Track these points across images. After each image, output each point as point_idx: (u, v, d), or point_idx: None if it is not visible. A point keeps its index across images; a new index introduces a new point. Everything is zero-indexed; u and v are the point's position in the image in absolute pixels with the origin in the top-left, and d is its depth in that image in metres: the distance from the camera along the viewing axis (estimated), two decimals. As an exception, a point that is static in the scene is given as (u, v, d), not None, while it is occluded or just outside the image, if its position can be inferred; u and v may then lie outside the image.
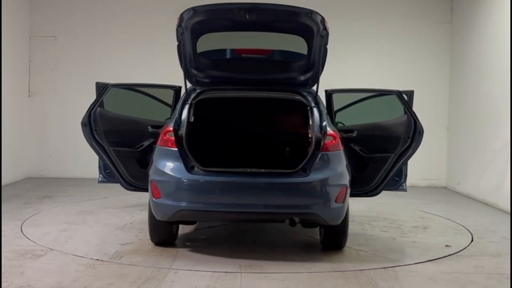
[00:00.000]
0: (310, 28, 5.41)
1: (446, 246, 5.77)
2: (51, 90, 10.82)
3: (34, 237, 6.03)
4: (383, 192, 6.35)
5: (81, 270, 4.94)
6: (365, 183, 6.09)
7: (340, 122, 6.86)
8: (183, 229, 6.53)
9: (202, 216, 5.49)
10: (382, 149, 6.08)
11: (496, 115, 8.67)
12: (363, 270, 5.11)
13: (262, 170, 5.39)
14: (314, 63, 5.72)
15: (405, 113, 5.98)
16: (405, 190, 6.54)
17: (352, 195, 6.37)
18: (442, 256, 5.66)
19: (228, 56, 6.04)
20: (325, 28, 5.41)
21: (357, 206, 7.52)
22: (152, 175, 5.36)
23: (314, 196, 5.29)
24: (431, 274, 5.06)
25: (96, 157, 6.24)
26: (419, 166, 9.56)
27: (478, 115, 9.36)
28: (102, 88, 6.25)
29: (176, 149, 5.33)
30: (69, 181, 10.22)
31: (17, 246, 5.64)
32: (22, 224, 6.65)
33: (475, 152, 9.46)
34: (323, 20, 5.38)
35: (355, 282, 4.78)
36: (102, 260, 5.23)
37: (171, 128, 5.43)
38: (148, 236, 6.03)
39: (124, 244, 5.83)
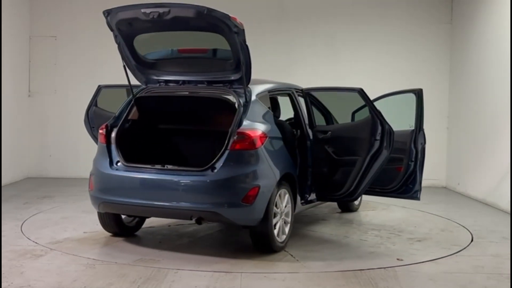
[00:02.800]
0: (221, 26, 5.31)
1: (398, 259, 5.44)
2: (51, 90, 10.82)
3: (34, 237, 6.03)
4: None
5: (81, 270, 4.95)
6: (338, 187, 6.04)
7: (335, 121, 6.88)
8: (183, 229, 6.53)
9: (119, 209, 5.69)
10: (351, 152, 5.99)
11: (496, 115, 8.67)
12: (363, 270, 5.11)
13: (177, 168, 5.48)
14: (240, 61, 5.53)
15: (370, 112, 5.90)
16: (418, 199, 6.53)
17: (328, 199, 6.35)
18: (442, 256, 5.66)
19: (171, 56, 6.07)
20: (236, 25, 5.28)
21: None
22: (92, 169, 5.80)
23: (216, 195, 5.24)
24: (431, 274, 5.07)
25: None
26: (419, 166, 9.56)
27: (478, 115, 9.36)
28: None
29: (105, 144, 5.72)
30: (69, 181, 10.22)
31: (17, 246, 5.64)
32: (22, 224, 6.65)
33: (475, 152, 9.46)
34: (226, 16, 5.24)
35: (355, 282, 4.78)
36: (102, 260, 5.24)
37: (106, 125, 5.81)
38: (148, 236, 6.05)
39: (125, 243, 5.83)
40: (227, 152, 5.31)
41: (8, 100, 9.64)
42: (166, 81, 6.06)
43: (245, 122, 5.45)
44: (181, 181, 5.36)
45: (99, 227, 6.09)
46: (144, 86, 6.11)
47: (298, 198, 6.08)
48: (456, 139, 10.38)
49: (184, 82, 5.98)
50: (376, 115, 5.85)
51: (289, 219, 5.81)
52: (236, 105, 5.59)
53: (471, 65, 9.73)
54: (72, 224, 6.70)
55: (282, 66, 10.62)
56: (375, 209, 8.06)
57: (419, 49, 10.72)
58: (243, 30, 5.31)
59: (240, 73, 5.58)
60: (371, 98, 6.88)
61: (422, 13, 10.72)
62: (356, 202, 7.78)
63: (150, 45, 5.95)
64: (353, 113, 6.87)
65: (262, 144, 5.43)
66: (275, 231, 5.55)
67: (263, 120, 5.67)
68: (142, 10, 5.36)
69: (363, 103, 6.14)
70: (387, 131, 5.81)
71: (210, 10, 5.19)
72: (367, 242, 6.20)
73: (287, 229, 5.79)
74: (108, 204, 5.63)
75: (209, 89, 5.83)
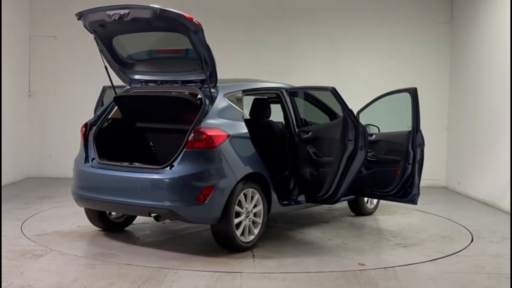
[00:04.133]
0: (179, 26, 5.37)
1: (359, 264, 5.29)
2: (51, 90, 10.81)
3: (34, 237, 6.03)
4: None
5: (81, 270, 4.95)
6: (317, 188, 6.01)
7: (311, 122, 6.84)
8: (184, 229, 6.53)
9: (92, 204, 5.90)
10: (328, 153, 5.94)
11: (496, 115, 8.67)
12: (363, 270, 5.11)
13: (140, 165, 5.59)
14: (204, 60, 5.58)
15: (342, 112, 5.87)
16: (415, 203, 6.47)
17: (312, 201, 6.29)
18: (442, 256, 5.66)
19: (150, 56, 6.18)
20: (193, 24, 5.32)
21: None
22: None
23: (171, 193, 5.30)
24: (431, 274, 5.07)
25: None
26: (419, 166, 9.55)
27: (478, 115, 9.36)
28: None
29: (83, 142, 5.98)
30: (69, 181, 10.10)
31: (17, 246, 5.65)
32: (22, 224, 6.65)
33: (475, 152, 9.45)
34: (181, 16, 5.29)
35: (355, 282, 4.78)
36: (102, 260, 5.24)
37: (85, 123, 6.07)
38: (148, 236, 6.05)
39: (125, 244, 5.83)
40: (184, 150, 5.36)
41: (8, 100, 9.64)
42: (147, 81, 6.18)
43: (206, 121, 5.47)
44: (142, 178, 5.45)
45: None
46: (128, 86, 6.24)
47: (275, 198, 5.98)
48: (456, 139, 10.38)
49: (162, 82, 6.06)
50: (349, 115, 5.79)
51: (259, 220, 5.78)
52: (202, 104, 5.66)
53: (471, 65, 9.73)
54: (72, 224, 6.70)
55: (282, 66, 10.62)
56: (393, 214, 7.79)
57: (419, 49, 10.71)
58: (202, 29, 5.35)
59: (207, 72, 5.63)
60: (370, 98, 6.92)
61: (422, 13, 10.72)
62: (370, 206, 7.58)
63: (130, 46, 6.05)
64: (358, 113, 6.85)
65: (221, 143, 5.42)
66: (239, 231, 5.55)
67: (228, 119, 5.66)
68: (107, 12, 5.50)
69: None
70: (361, 131, 5.78)
71: (163, 10, 5.26)
72: (347, 246, 6.15)
73: (256, 230, 5.75)
74: (83, 200, 5.85)
75: (182, 88, 5.90)
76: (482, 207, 8.65)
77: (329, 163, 5.91)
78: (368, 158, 6.47)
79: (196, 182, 5.29)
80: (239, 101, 5.94)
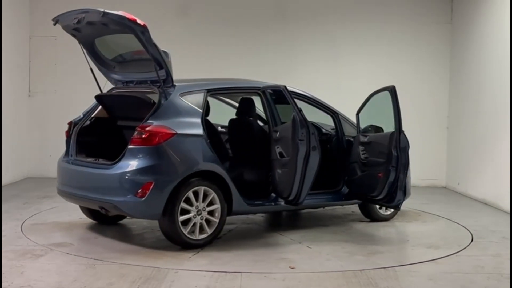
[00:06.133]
0: (125, 27, 5.50)
1: (290, 267, 5.16)
2: (51, 90, 10.81)
3: (34, 237, 6.03)
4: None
5: (81, 270, 4.95)
6: (281, 189, 5.98)
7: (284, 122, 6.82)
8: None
9: (66, 197, 6.25)
10: (287, 153, 5.88)
11: (496, 115, 8.67)
12: (363, 270, 5.11)
13: (97, 161, 5.90)
14: (156, 59, 5.68)
15: (292, 111, 5.82)
16: (399, 208, 6.45)
17: (280, 202, 6.20)
18: (442, 256, 5.66)
19: (130, 58, 6.32)
20: (137, 25, 5.41)
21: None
22: None
23: (114, 188, 5.55)
24: (431, 274, 5.07)
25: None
26: (419, 166, 9.56)
27: (478, 115, 9.35)
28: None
29: (66, 139, 6.39)
30: (69, 181, 10.19)
31: (17, 246, 5.65)
32: (22, 224, 6.65)
33: (475, 152, 9.45)
34: (123, 18, 5.38)
35: (355, 282, 4.78)
36: (102, 260, 5.24)
37: (70, 122, 6.49)
38: (148, 236, 6.04)
39: (125, 244, 5.83)
40: (127, 147, 5.56)
41: (8, 100, 9.64)
42: (127, 82, 6.40)
43: (153, 120, 5.59)
44: (96, 174, 5.77)
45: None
46: (113, 86, 6.56)
47: (238, 198, 5.93)
48: (456, 139, 10.38)
49: (138, 82, 6.26)
50: (298, 114, 5.75)
51: (214, 218, 5.77)
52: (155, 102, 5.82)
53: (471, 65, 9.73)
54: (72, 224, 6.70)
55: (282, 66, 10.61)
56: (413, 221, 7.34)
57: (419, 49, 10.71)
58: (147, 29, 5.45)
59: (162, 71, 5.74)
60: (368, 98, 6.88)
61: (422, 13, 10.71)
62: (385, 212, 7.12)
63: (112, 49, 6.17)
64: (357, 114, 6.78)
65: (165, 141, 5.51)
66: (186, 228, 5.60)
67: (181, 118, 5.72)
68: (70, 17, 5.74)
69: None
70: (311, 132, 5.72)
71: (106, 13, 5.40)
72: (366, 240, 6.17)
73: (210, 229, 5.75)
74: (61, 193, 6.24)
75: (148, 88, 6.06)
76: (482, 207, 8.65)
77: (284, 164, 5.89)
78: (361, 160, 6.43)
79: (136, 178, 5.45)
80: (198, 100, 5.95)
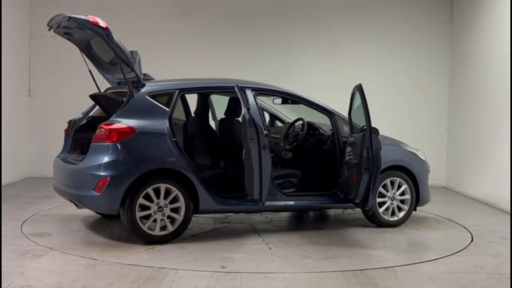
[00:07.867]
0: (91, 31, 5.68)
1: (222, 266, 5.11)
2: (51, 90, 10.82)
3: (34, 237, 6.03)
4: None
5: (81, 270, 4.95)
6: (247, 188, 5.86)
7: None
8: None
9: (57, 192, 6.42)
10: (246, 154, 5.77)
11: (496, 115, 8.67)
12: (363, 270, 5.11)
13: (78, 158, 6.13)
14: (122, 60, 5.84)
15: (242, 110, 5.81)
16: (369, 213, 6.45)
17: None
18: (442, 256, 5.66)
19: (116, 59, 6.33)
20: (100, 28, 5.57)
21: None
22: None
23: (76, 183, 5.89)
24: (431, 274, 5.06)
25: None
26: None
27: (478, 115, 9.36)
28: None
29: (64, 135, 6.67)
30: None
31: (17, 246, 5.65)
32: (22, 224, 6.65)
33: (475, 152, 9.46)
34: (86, 21, 5.57)
35: (355, 282, 4.78)
36: (102, 260, 5.24)
37: (69, 120, 6.77)
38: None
39: (125, 244, 5.83)
40: (91, 144, 5.82)
41: (8, 100, 9.64)
42: (119, 82, 6.62)
43: (116, 118, 5.80)
44: (69, 169, 6.07)
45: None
46: (111, 86, 6.78)
47: (206, 196, 5.91)
48: (456, 139, 10.38)
49: (123, 82, 6.40)
50: (246, 113, 5.69)
51: (178, 216, 5.83)
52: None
53: (471, 65, 9.73)
54: (72, 224, 6.70)
55: (282, 66, 10.62)
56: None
57: (419, 49, 10.72)
58: (109, 31, 5.61)
59: (132, 72, 5.90)
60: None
61: (422, 13, 10.73)
62: (390, 217, 6.82)
63: (108, 50, 6.13)
64: (349, 114, 6.67)
65: (123, 138, 5.67)
66: (146, 223, 5.73)
67: (145, 116, 5.84)
68: (55, 22, 5.93)
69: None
70: (259, 131, 5.67)
71: (70, 18, 5.61)
72: (366, 240, 6.19)
73: (172, 226, 5.82)
74: (54, 188, 6.44)
75: (124, 88, 6.20)
76: (482, 207, 8.65)
77: (242, 164, 5.88)
78: (347, 162, 6.25)
79: (94, 173, 5.65)
80: (168, 99, 6.04)
